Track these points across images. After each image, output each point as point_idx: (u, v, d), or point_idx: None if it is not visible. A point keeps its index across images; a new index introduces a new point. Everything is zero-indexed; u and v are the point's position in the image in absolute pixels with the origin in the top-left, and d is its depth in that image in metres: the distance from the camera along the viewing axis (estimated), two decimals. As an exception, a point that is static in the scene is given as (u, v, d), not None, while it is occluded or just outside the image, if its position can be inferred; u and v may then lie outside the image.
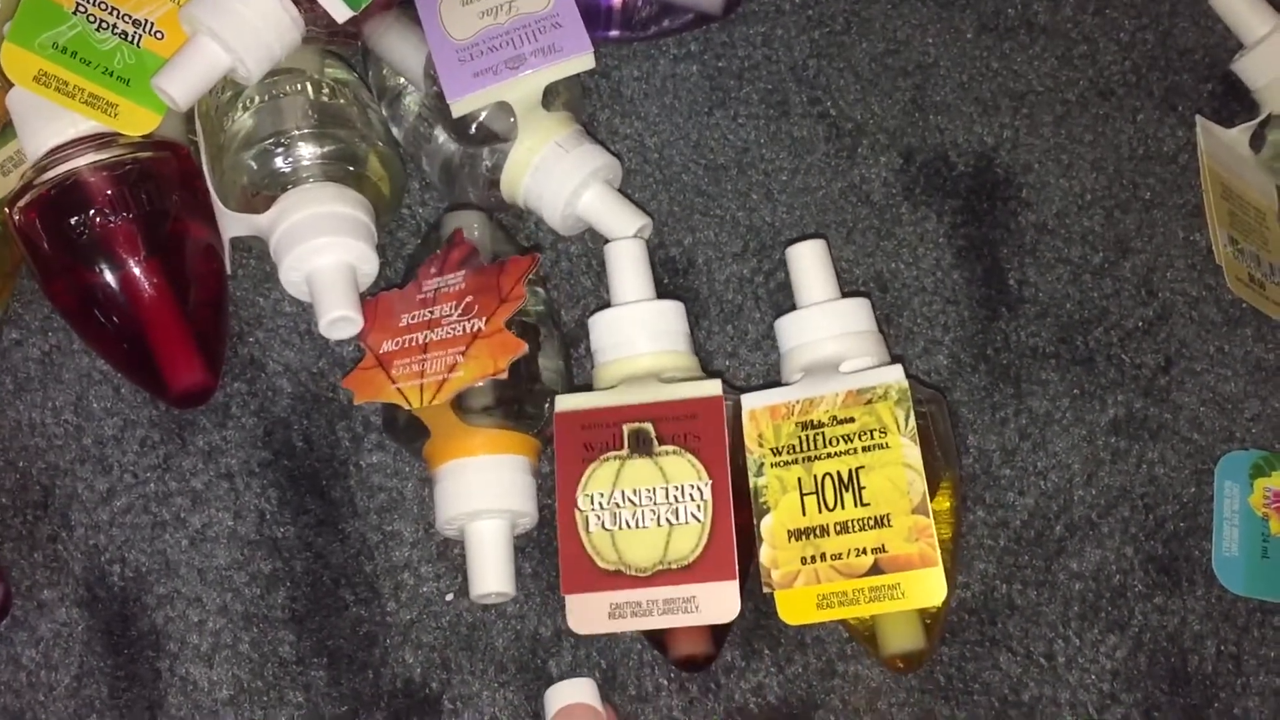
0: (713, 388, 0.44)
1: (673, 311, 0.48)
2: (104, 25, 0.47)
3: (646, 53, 0.56)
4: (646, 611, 0.42)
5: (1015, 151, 0.56)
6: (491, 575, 0.46)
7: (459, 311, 0.46)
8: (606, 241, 0.50)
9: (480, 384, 0.45)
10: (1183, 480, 0.53)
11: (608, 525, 0.43)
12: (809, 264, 0.49)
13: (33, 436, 0.50)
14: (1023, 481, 0.52)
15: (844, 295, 0.49)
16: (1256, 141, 0.58)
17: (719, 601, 0.42)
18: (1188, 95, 0.58)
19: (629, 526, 0.43)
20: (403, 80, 0.51)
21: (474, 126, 0.49)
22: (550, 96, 0.49)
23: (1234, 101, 0.58)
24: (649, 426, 0.44)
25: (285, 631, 0.48)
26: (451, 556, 0.49)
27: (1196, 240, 0.56)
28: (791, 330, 0.48)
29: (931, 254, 0.55)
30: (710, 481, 0.42)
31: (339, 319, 0.47)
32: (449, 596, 0.49)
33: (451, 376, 0.45)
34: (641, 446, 0.43)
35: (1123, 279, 0.55)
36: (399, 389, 0.46)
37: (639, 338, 0.47)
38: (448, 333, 0.46)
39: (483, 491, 0.46)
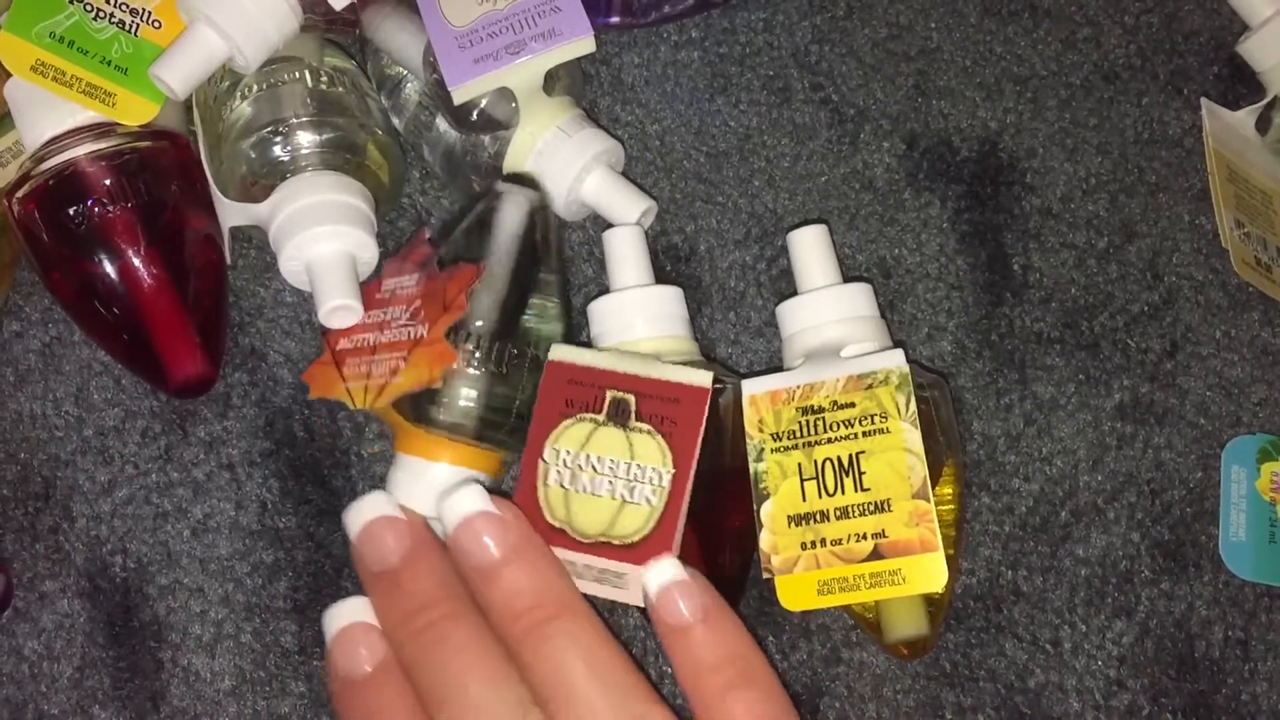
0: (703, 378, 0.43)
1: (672, 296, 0.48)
2: (101, 14, 0.47)
3: (647, 39, 0.56)
4: (578, 574, 0.42)
5: (1019, 136, 0.56)
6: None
7: (407, 315, 0.46)
8: (607, 227, 0.49)
9: (450, 402, 0.45)
10: (1189, 465, 0.52)
11: (565, 483, 0.43)
12: (811, 249, 0.49)
13: (34, 428, 0.50)
14: (1028, 467, 0.52)
15: (846, 280, 0.49)
16: (1262, 124, 0.58)
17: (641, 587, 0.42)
18: (1193, 78, 0.57)
19: (585, 491, 0.43)
20: (402, 70, 0.51)
21: (475, 114, 0.48)
22: (551, 81, 0.49)
23: (1240, 84, 0.58)
24: (631, 399, 0.43)
25: (287, 621, 0.48)
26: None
27: (1202, 224, 0.55)
28: (793, 315, 0.48)
29: (935, 240, 0.54)
30: (673, 471, 0.42)
31: (339, 307, 0.47)
32: None
33: (391, 381, 0.45)
34: (619, 416, 0.43)
35: (1128, 263, 0.55)
36: (347, 389, 0.46)
37: (637, 322, 0.47)
38: (394, 336, 0.46)
39: (421, 496, 0.45)
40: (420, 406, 0.45)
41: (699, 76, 0.56)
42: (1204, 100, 0.56)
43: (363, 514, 0.40)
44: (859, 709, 0.49)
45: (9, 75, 0.47)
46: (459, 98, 0.47)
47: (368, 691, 0.39)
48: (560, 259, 0.49)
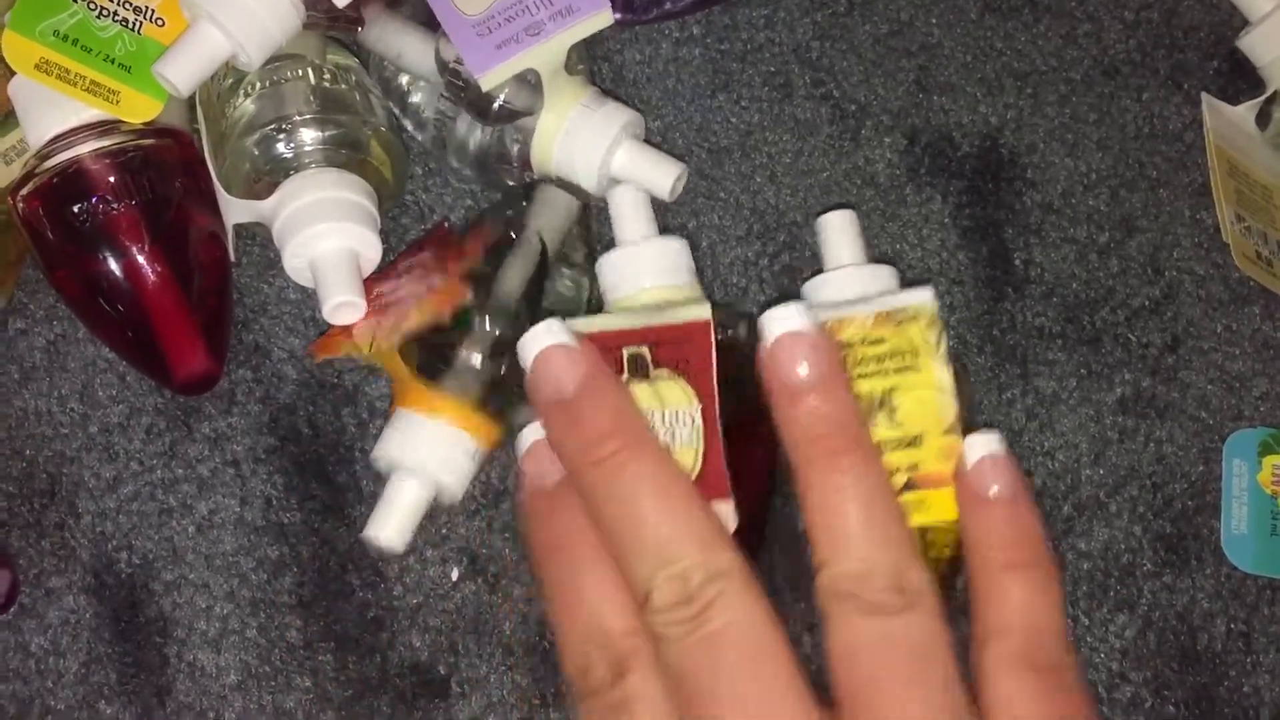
0: (702, 311, 0.44)
1: (675, 246, 0.48)
2: (105, 12, 0.47)
3: (649, 36, 0.56)
4: None
5: (1020, 131, 0.56)
6: (382, 524, 0.46)
7: (421, 276, 0.47)
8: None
9: (464, 356, 0.46)
10: (1190, 459, 0.52)
11: None
12: (839, 231, 0.49)
13: (39, 425, 0.50)
14: (1030, 462, 0.52)
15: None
16: (1263, 119, 0.58)
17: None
18: (1193, 73, 0.57)
19: None
20: (405, 80, 0.51)
21: (497, 105, 0.48)
22: (569, 59, 0.49)
23: (1240, 79, 0.58)
24: (645, 350, 0.43)
25: (292, 616, 0.48)
26: (456, 538, 0.49)
27: (1203, 218, 0.55)
28: (819, 290, 0.48)
29: (936, 235, 0.55)
30: (700, 405, 0.42)
31: (342, 304, 0.47)
32: (454, 574, 0.49)
33: (401, 325, 0.46)
34: (639, 371, 0.43)
35: (1129, 258, 0.55)
36: (354, 340, 0.46)
37: (642, 273, 0.47)
38: (407, 292, 0.47)
39: (410, 450, 0.46)
40: (427, 360, 0.46)
41: (700, 73, 0.56)
42: (1204, 95, 0.56)
43: (537, 342, 0.40)
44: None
45: (13, 74, 0.47)
46: (487, 84, 0.47)
47: (555, 499, 0.39)
48: (591, 243, 0.50)
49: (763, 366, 0.39)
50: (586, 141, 0.48)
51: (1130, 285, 0.54)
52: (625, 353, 0.43)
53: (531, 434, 0.40)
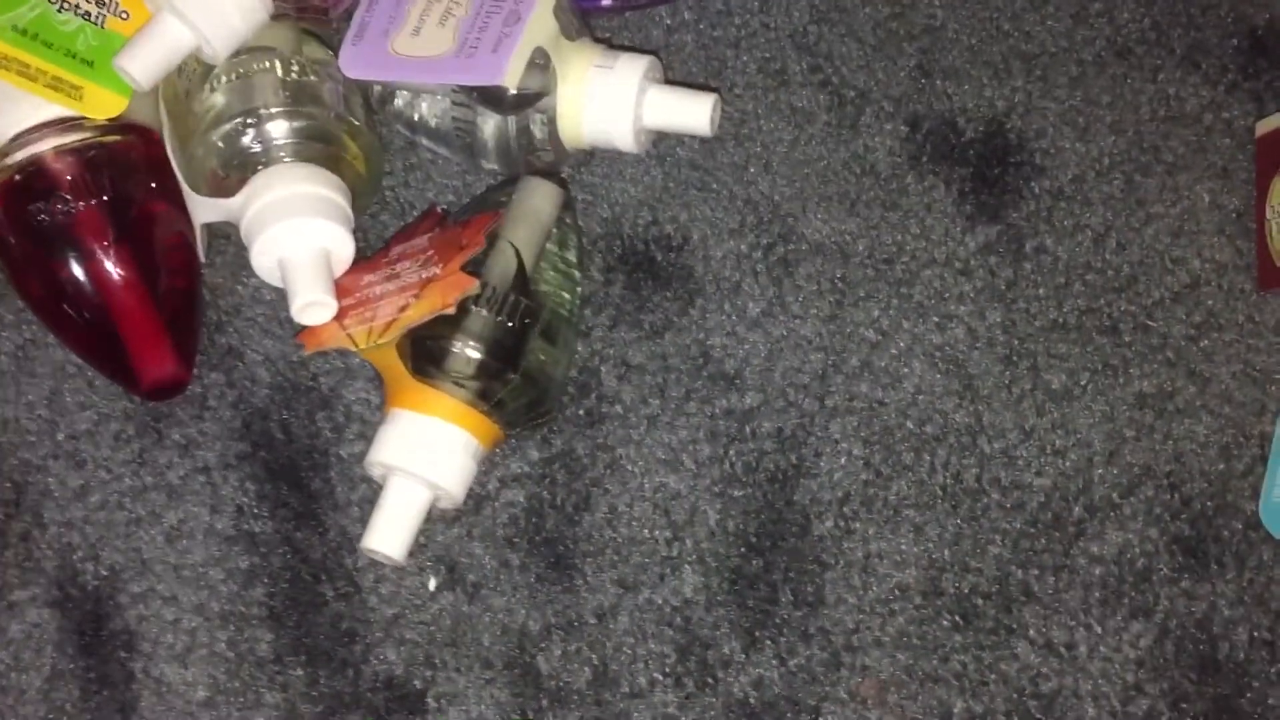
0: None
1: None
2: (65, 6, 0.46)
3: (639, 23, 0.54)
4: None
5: (1028, 116, 0.54)
6: (383, 534, 0.45)
7: (419, 265, 0.45)
8: None
9: (459, 350, 0.44)
10: (1211, 457, 0.49)
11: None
12: None
13: (4, 433, 0.48)
14: (1040, 461, 0.49)
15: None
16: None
17: None
18: (1211, 52, 0.55)
19: None
20: (406, 98, 0.49)
21: (511, 94, 0.47)
22: (564, 26, 0.47)
23: (1260, 57, 0.55)
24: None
25: (263, 629, 0.47)
26: (434, 546, 0.47)
27: (1225, 203, 0.53)
28: None
29: (941, 224, 0.52)
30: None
31: (311, 304, 0.45)
32: (432, 584, 0.47)
33: (400, 316, 0.44)
34: None
35: (1146, 246, 0.52)
36: (348, 334, 0.45)
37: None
38: (403, 283, 0.45)
39: (409, 452, 0.45)
40: (421, 354, 0.44)
41: (693, 60, 0.54)
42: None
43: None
44: (863, 716, 0.46)
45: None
46: (511, 82, 0.46)
47: None
48: (579, 232, 0.49)
49: None
50: (612, 102, 0.47)
51: (1149, 274, 0.52)
52: None
53: None
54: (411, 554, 0.47)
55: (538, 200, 0.48)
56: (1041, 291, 0.52)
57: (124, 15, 0.47)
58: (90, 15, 0.46)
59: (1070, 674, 0.47)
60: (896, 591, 0.48)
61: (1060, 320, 0.51)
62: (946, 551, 0.48)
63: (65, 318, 0.47)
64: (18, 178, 0.45)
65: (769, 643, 0.47)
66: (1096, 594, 0.48)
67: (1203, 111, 0.54)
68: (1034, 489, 0.49)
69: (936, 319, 0.51)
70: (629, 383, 0.50)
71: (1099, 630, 0.47)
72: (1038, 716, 0.47)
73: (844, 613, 0.48)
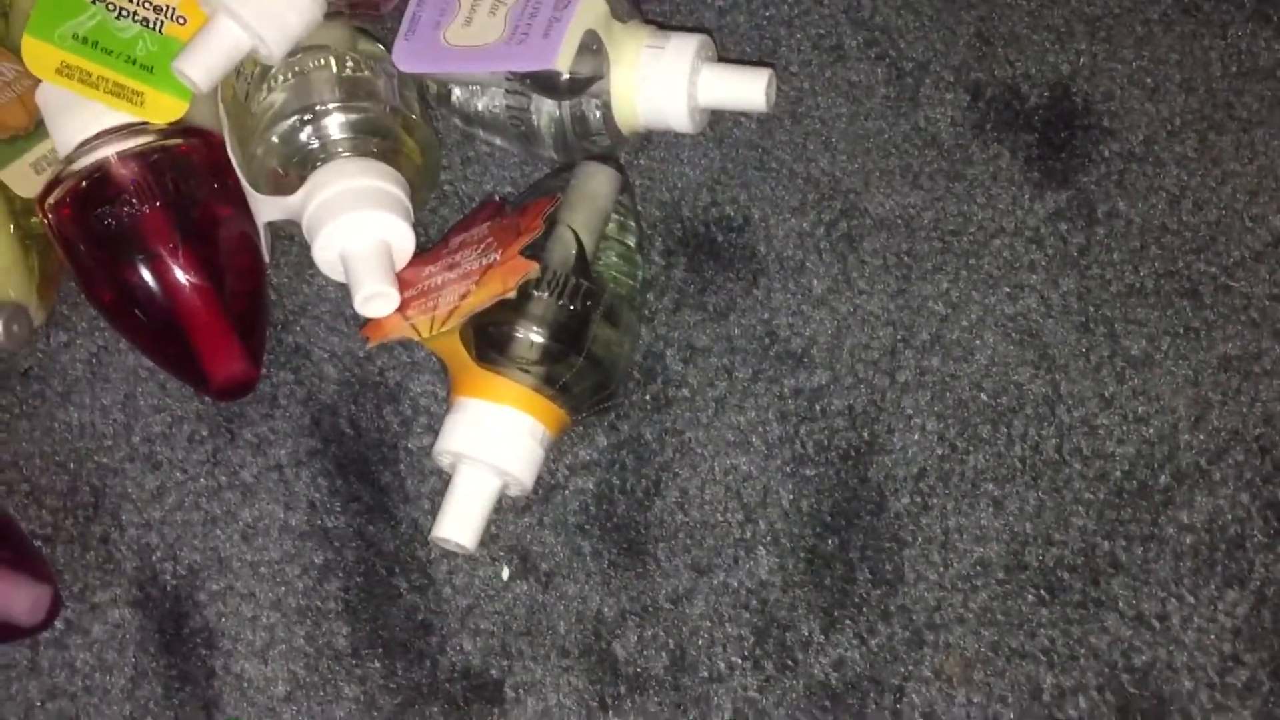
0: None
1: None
2: (124, 13, 0.47)
3: (690, 6, 0.54)
4: None
5: (1094, 79, 0.52)
6: (454, 522, 0.45)
7: (478, 252, 0.45)
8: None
9: (523, 335, 0.44)
10: (1302, 417, 0.48)
11: None
12: None
13: (81, 438, 0.49)
14: (1122, 429, 0.48)
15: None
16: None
17: None
18: (1282, 3, 0.53)
19: None
20: (461, 91, 0.49)
21: (564, 78, 0.46)
22: (615, 7, 0.47)
23: (1336, 5, 0.53)
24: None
25: (339, 623, 0.47)
26: (506, 536, 0.47)
27: (1304, 158, 0.51)
28: None
29: (1008, 192, 0.51)
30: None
31: (374, 295, 0.45)
32: (505, 573, 0.47)
33: (462, 304, 0.44)
34: None
35: (1224, 205, 0.51)
36: (412, 324, 0.44)
37: None
38: (464, 271, 0.45)
39: (476, 439, 0.44)
40: (484, 340, 0.44)
41: (746, 41, 0.53)
42: None
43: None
44: (947, 696, 0.45)
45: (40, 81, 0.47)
46: (562, 65, 0.46)
47: None
48: (638, 215, 0.49)
49: None
50: (665, 83, 0.47)
51: (1228, 233, 0.50)
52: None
53: None
54: (483, 544, 0.47)
55: (595, 184, 0.48)
56: (1116, 256, 0.50)
57: (181, 20, 0.47)
58: (148, 21, 0.47)
59: (1164, 646, 0.45)
60: (978, 567, 0.47)
61: (1137, 285, 0.50)
62: (1028, 524, 0.47)
63: (135, 322, 0.47)
64: (84, 184, 0.46)
65: (848, 622, 0.46)
66: (1187, 563, 0.46)
67: (1276, 66, 0.52)
68: (1117, 458, 0.48)
69: (1008, 289, 0.50)
70: (695, 365, 0.49)
71: (1192, 600, 0.46)
72: (1131, 690, 0.45)
73: (924, 590, 0.46)
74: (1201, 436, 0.48)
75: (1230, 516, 0.47)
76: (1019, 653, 0.46)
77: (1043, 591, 0.46)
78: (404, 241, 0.47)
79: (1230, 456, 0.47)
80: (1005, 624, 0.46)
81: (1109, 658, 0.46)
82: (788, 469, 0.48)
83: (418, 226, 0.47)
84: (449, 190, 0.52)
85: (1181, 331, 0.49)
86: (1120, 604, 0.46)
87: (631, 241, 0.48)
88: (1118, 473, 0.48)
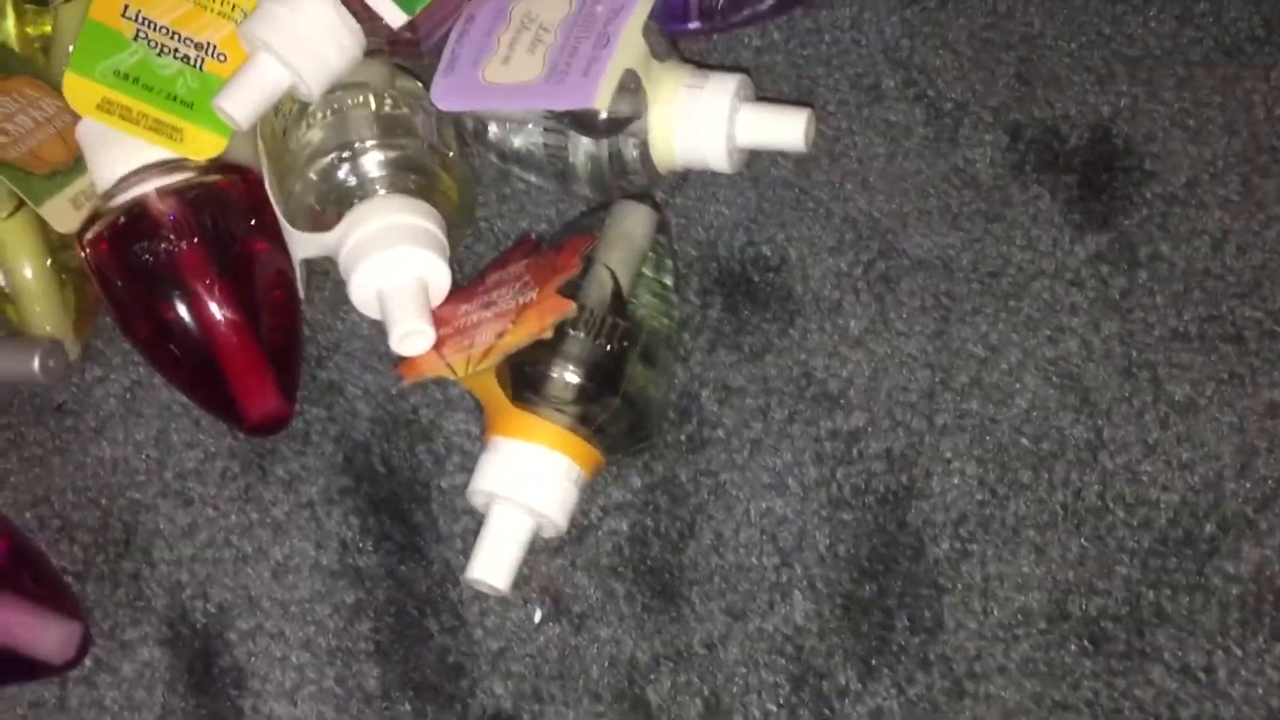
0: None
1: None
2: (165, 50, 0.47)
3: (728, 45, 0.54)
4: None
5: (1135, 120, 0.52)
6: (487, 563, 0.44)
7: (514, 291, 0.45)
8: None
9: (559, 375, 0.44)
10: (1352, 465, 0.47)
11: None
12: None
13: (114, 474, 0.49)
14: (1167, 476, 0.47)
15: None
16: None
17: None
18: (1327, 45, 0.52)
19: None
20: (498, 128, 0.49)
21: (603, 117, 0.46)
22: (653, 48, 0.47)
23: (1379, 47, 0.52)
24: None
25: (370, 664, 0.46)
26: (538, 577, 0.47)
27: (1351, 201, 0.50)
28: None
29: (1048, 234, 0.51)
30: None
31: (410, 333, 0.45)
32: (537, 615, 0.46)
33: (498, 343, 0.43)
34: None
35: (1269, 249, 0.50)
36: (447, 363, 0.44)
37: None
38: (500, 309, 0.45)
39: (511, 479, 0.44)
40: (520, 380, 0.44)
41: (783, 80, 0.53)
42: None
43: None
44: (988, 747, 0.44)
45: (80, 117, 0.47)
46: (602, 104, 0.45)
47: None
48: (674, 255, 0.49)
49: None
50: (704, 123, 0.47)
51: (1273, 278, 0.49)
52: None
53: None
54: (516, 585, 0.46)
55: (631, 223, 0.48)
56: (1159, 300, 0.49)
57: (221, 57, 0.47)
58: (189, 59, 0.47)
59: (1210, 699, 0.44)
60: (1019, 616, 0.46)
61: (1181, 329, 0.49)
62: (1071, 573, 0.46)
63: (171, 357, 0.47)
64: (122, 220, 0.46)
65: (886, 671, 0.45)
66: (1235, 614, 0.45)
67: (1321, 108, 0.52)
68: (1161, 505, 0.47)
69: (1048, 332, 0.49)
70: (730, 406, 0.49)
71: (1239, 653, 0.45)
72: (1177, 744, 0.44)
73: (964, 638, 0.46)
74: (1248, 484, 0.47)
75: (1278, 567, 0.46)
76: (1062, 704, 0.45)
77: (1086, 642, 0.45)
78: (440, 279, 0.47)
79: (1277, 505, 0.47)
80: (1048, 675, 0.45)
81: (1154, 710, 0.45)
82: (824, 512, 0.47)
83: (454, 264, 0.47)
84: (485, 227, 0.52)
85: (1226, 377, 0.48)
86: (1165, 655, 0.45)
87: (668, 281, 0.48)
88: (1162, 520, 0.47)
